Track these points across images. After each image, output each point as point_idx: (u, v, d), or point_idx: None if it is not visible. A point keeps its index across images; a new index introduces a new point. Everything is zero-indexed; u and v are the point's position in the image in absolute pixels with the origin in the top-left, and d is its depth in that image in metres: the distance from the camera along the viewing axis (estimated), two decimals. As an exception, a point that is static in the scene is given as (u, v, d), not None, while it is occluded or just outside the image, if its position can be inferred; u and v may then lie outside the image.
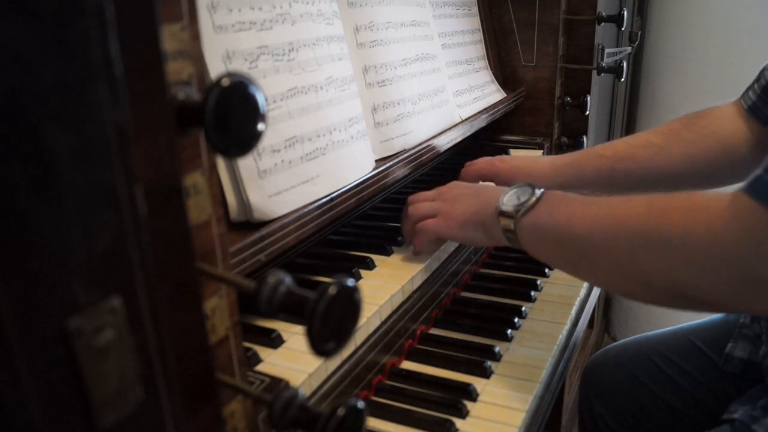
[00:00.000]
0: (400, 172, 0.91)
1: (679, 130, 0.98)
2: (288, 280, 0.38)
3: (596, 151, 1.02)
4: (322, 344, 0.37)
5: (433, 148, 1.00)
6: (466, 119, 1.14)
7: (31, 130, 0.24)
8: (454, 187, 0.87)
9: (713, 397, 1.00)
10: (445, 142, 1.05)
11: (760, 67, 0.93)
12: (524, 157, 1.09)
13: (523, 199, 0.75)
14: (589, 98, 1.40)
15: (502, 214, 0.75)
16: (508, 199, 0.76)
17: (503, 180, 0.97)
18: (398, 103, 0.95)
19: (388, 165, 0.87)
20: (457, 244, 0.97)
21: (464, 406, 0.74)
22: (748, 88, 0.96)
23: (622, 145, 1.01)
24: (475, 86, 1.25)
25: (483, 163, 1.01)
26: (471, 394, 0.77)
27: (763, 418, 0.79)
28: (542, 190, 0.75)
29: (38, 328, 0.25)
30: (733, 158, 0.95)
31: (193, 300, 0.39)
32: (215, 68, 0.61)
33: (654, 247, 0.61)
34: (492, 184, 0.99)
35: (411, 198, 0.90)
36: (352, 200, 0.78)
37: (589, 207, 0.69)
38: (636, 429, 1.06)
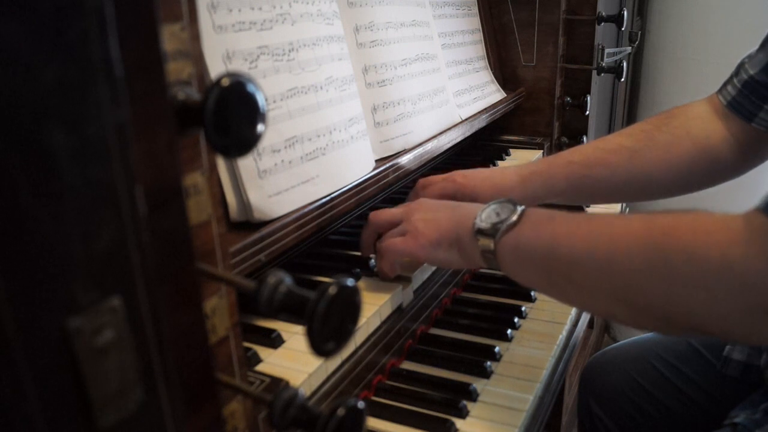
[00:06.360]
0: (400, 172, 0.91)
1: (652, 132, 0.92)
2: (288, 280, 0.38)
3: (564, 158, 0.94)
4: (322, 344, 0.37)
5: (433, 148, 1.00)
6: (466, 119, 1.15)
7: (31, 130, 0.24)
8: (424, 203, 0.78)
9: (712, 400, 0.99)
10: (445, 142, 1.05)
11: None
12: (488, 170, 0.98)
13: (503, 216, 0.67)
14: (589, 98, 1.40)
15: (480, 232, 0.67)
16: (487, 216, 0.68)
17: (467, 196, 0.87)
18: (398, 103, 0.95)
19: (388, 165, 0.87)
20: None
21: (464, 406, 0.74)
22: (726, 83, 0.91)
23: (591, 149, 0.94)
24: (475, 86, 1.25)
25: (441, 180, 0.90)
26: (471, 394, 0.77)
27: (765, 423, 0.79)
28: (523, 207, 0.68)
29: (38, 328, 0.25)
30: (711, 159, 0.90)
31: (193, 300, 0.39)
32: (215, 68, 0.62)
33: (656, 271, 0.55)
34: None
35: (373, 214, 0.80)
36: (352, 200, 0.78)
37: (579, 225, 0.63)
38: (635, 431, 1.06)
